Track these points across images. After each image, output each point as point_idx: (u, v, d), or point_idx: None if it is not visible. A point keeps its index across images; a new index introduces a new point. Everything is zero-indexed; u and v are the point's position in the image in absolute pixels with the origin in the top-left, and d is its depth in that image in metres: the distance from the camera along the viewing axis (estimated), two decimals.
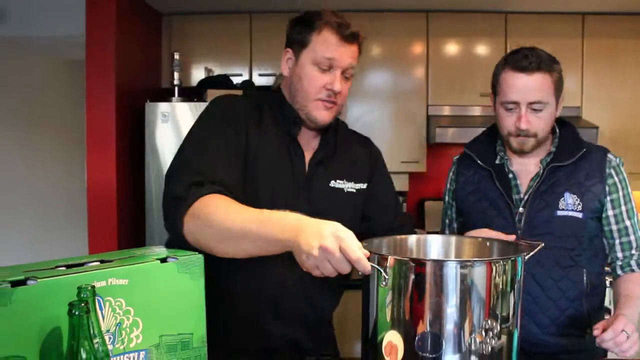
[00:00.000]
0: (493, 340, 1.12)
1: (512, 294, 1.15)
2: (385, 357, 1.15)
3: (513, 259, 1.16)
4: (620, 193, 1.70)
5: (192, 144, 1.48)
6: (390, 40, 3.61)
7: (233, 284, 1.51)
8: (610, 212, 1.70)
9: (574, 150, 1.71)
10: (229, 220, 1.26)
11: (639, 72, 3.59)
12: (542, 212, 1.67)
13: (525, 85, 1.62)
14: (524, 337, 1.62)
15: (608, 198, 1.70)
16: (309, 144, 1.58)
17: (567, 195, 1.67)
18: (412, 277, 1.11)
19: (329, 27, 1.48)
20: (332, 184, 1.58)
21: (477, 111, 3.58)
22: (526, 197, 1.70)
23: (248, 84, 3.35)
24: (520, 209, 1.69)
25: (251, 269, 1.45)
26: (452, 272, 1.10)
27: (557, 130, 1.76)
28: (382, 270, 1.13)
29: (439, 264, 1.12)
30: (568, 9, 3.52)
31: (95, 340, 0.94)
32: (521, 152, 1.72)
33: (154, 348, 1.13)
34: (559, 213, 1.66)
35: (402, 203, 3.72)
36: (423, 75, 3.59)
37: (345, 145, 1.64)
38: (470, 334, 1.10)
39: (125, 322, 1.09)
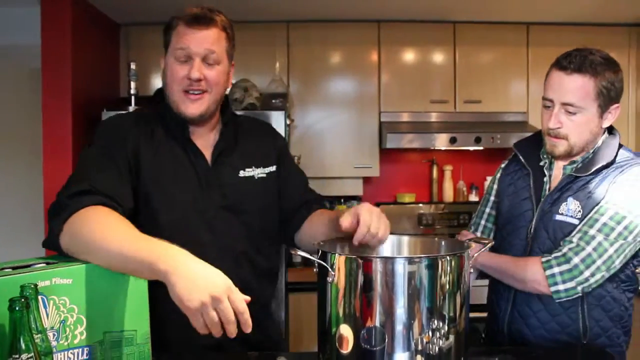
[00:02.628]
0: (440, 339, 1.18)
1: (458, 289, 1.21)
2: (339, 349, 1.21)
3: (459, 254, 1.21)
4: (611, 204, 1.58)
5: (81, 164, 1.49)
6: (344, 49, 3.70)
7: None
8: (589, 214, 1.60)
9: (596, 163, 1.64)
10: (105, 239, 1.22)
11: None
12: (545, 215, 1.67)
13: (561, 85, 1.60)
14: (515, 336, 1.69)
15: (603, 201, 1.59)
16: (209, 140, 1.60)
17: (570, 200, 1.64)
18: (358, 273, 1.18)
19: (181, 21, 1.50)
20: (242, 173, 1.61)
21: (428, 117, 3.69)
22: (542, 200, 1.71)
23: None
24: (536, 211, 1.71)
25: None
26: (398, 268, 1.16)
27: (601, 141, 1.69)
28: (328, 267, 1.21)
29: (384, 261, 1.19)
30: (513, 19, 3.65)
31: (37, 336, 1.00)
32: (552, 155, 1.70)
33: (97, 344, 1.18)
34: (557, 217, 1.65)
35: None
36: (375, 83, 3.69)
37: (247, 134, 1.67)
38: (419, 331, 1.16)
39: (70, 319, 1.14)
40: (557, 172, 1.74)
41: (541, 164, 1.76)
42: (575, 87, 1.59)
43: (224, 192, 1.57)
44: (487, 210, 1.93)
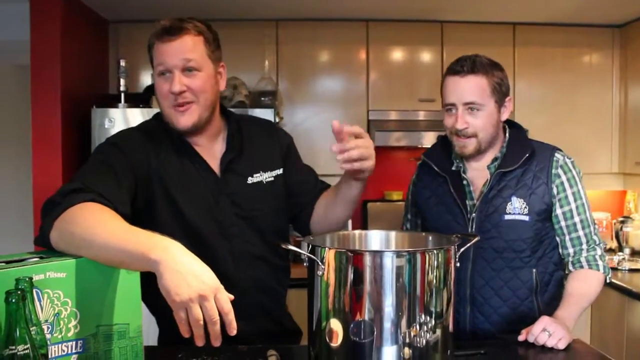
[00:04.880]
0: (428, 332, 1.21)
1: (445, 282, 1.24)
2: (328, 342, 1.23)
3: (446, 248, 1.24)
4: (569, 191, 1.74)
5: (79, 170, 1.47)
6: (333, 48, 3.73)
7: None
8: (559, 211, 1.74)
9: (518, 155, 1.75)
10: (94, 232, 1.20)
11: (566, 78, 3.80)
12: (490, 216, 1.73)
13: (459, 87, 1.70)
14: (480, 334, 1.73)
15: (557, 197, 1.73)
16: (214, 151, 1.60)
17: (514, 199, 1.72)
18: (347, 266, 1.20)
19: (155, 37, 1.50)
20: (250, 180, 1.61)
21: (416, 116, 3.72)
22: (477, 202, 1.75)
23: None
24: (473, 215, 1.75)
25: None
26: (386, 261, 1.18)
27: (507, 135, 1.80)
28: (318, 261, 1.22)
29: (372, 254, 1.21)
30: (499, 20, 3.69)
31: (32, 328, 1.00)
32: (463, 156, 1.77)
33: (91, 337, 1.19)
34: (506, 217, 1.72)
35: None
36: (364, 81, 3.72)
37: (252, 139, 1.66)
38: (407, 324, 1.19)
39: (63, 312, 1.15)
40: (474, 173, 1.80)
41: (454, 168, 1.82)
42: (473, 86, 1.70)
43: (235, 200, 1.58)
44: (409, 217, 2.03)
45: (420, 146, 3.81)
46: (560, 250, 1.79)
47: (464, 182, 1.79)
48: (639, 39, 3.61)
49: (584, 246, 1.76)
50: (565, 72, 3.80)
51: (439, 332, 1.23)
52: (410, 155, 4.05)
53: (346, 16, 3.65)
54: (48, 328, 1.13)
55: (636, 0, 3.28)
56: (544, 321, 1.57)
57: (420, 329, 1.20)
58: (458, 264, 1.29)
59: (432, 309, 1.22)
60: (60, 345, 1.15)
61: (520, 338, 1.58)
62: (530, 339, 1.56)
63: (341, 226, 1.76)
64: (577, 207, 1.74)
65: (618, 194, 4.08)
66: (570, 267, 1.77)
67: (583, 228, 1.75)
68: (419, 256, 1.20)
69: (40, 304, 1.12)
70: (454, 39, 3.74)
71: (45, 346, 1.06)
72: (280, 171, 1.68)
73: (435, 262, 1.22)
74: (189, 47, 1.48)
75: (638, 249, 3.74)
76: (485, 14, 3.60)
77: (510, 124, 1.85)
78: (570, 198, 1.74)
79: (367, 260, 1.19)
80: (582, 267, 1.74)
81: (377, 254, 1.21)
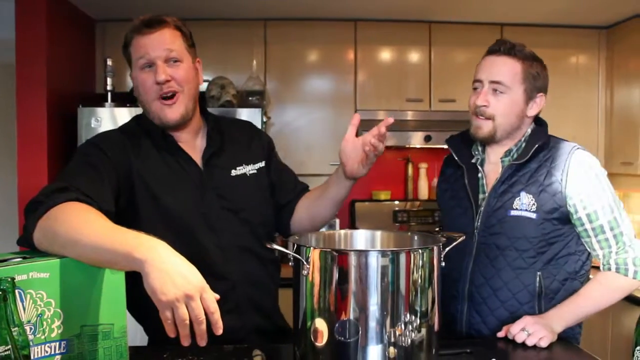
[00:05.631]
0: (413, 332, 1.21)
1: (430, 282, 1.24)
2: (314, 342, 1.23)
3: (430, 248, 1.24)
4: (592, 191, 1.62)
5: (61, 171, 1.49)
6: (321, 48, 3.73)
7: None
8: (581, 213, 1.63)
9: (529, 149, 1.68)
10: (79, 232, 1.19)
11: (553, 78, 3.76)
12: (497, 212, 1.67)
13: (491, 66, 1.68)
14: (475, 335, 1.70)
15: (576, 199, 1.62)
16: (196, 146, 1.62)
17: (522, 195, 1.65)
18: (332, 266, 1.20)
19: (134, 32, 1.54)
20: (234, 172, 1.63)
21: (404, 116, 3.72)
22: (486, 196, 1.71)
23: None
24: (481, 209, 1.70)
25: None
26: (371, 261, 1.18)
27: (529, 130, 1.74)
28: (303, 261, 1.23)
29: (357, 254, 1.21)
30: (487, 20, 3.70)
31: (14, 329, 0.99)
32: (476, 138, 1.72)
33: (75, 338, 1.18)
34: (512, 213, 1.64)
35: None
36: (352, 81, 3.73)
37: (232, 134, 1.68)
38: (392, 323, 1.19)
39: (47, 313, 1.14)
40: (491, 167, 1.75)
41: (473, 160, 1.79)
42: (505, 67, 1.66)
43: (220, 193, 1.59)
44: (440, 214, 2.02)
45: (408, 146, 3.83)
46: (591, 252, 1.71)
47: (479, 174, 1.76)
48: (625, 40, 3.64)
49: (613, 248, 1.64)
50: (552, 73, 3.76)
51: (424, 331, 1.23)
52: (398, 155, 4.06)
53: (334, 16, 3.65)
54: (31, 329, 1.12)
55: (622, 2, 3.30)
56: (524, 320, 1.56)
57: (405, 328, 1.20)
58: (443, 264, 1.29)
59: (417, 308, 1.22)
60: (43, 345, 1.14)
61: (500, 334, 1.58)
62: (509, 337, 1.55)
63: (324, 226, 1.79)
64: (602, 208, 1.63)
65: None
66: (601, 268, 1.68)
67: (612, 229, 1.63)
68: (403, 256, 1.20)
69: (23, 305, 1.11)
70: (442, 39, 3.75)
71: (27, 347, 1.05)
72: (262, 164, 1.71)
73: (420, 262, 1.22)
74: (169, 38, 1.53)
75: None
76: (473, 14, 3.61)
77: (539, 121, 1.79)
78: (594, 198, 1.62)
79: (352, 260, 1.19)
80: (609, 269, 1.65)
81: (362, 254, 1.21)
